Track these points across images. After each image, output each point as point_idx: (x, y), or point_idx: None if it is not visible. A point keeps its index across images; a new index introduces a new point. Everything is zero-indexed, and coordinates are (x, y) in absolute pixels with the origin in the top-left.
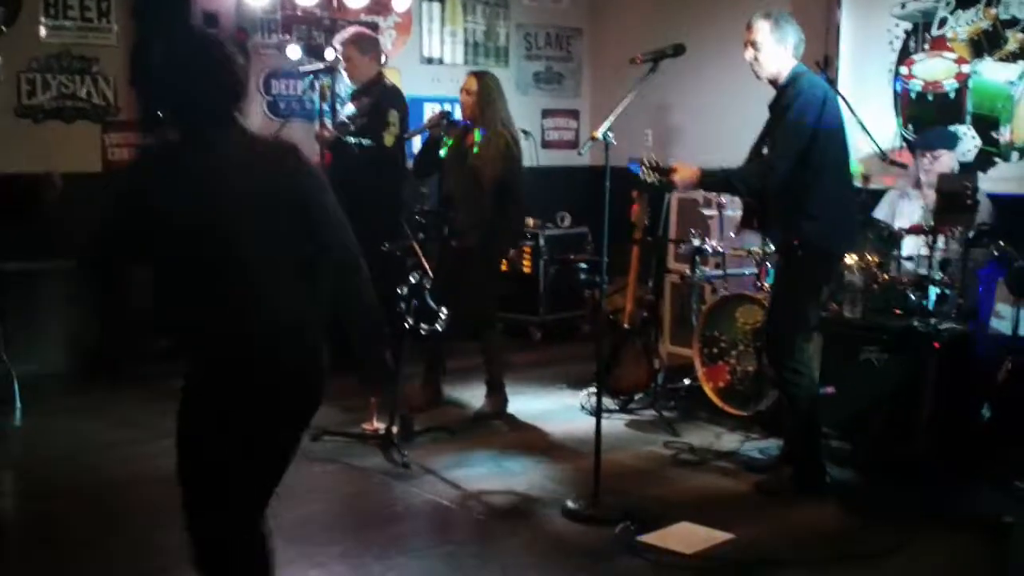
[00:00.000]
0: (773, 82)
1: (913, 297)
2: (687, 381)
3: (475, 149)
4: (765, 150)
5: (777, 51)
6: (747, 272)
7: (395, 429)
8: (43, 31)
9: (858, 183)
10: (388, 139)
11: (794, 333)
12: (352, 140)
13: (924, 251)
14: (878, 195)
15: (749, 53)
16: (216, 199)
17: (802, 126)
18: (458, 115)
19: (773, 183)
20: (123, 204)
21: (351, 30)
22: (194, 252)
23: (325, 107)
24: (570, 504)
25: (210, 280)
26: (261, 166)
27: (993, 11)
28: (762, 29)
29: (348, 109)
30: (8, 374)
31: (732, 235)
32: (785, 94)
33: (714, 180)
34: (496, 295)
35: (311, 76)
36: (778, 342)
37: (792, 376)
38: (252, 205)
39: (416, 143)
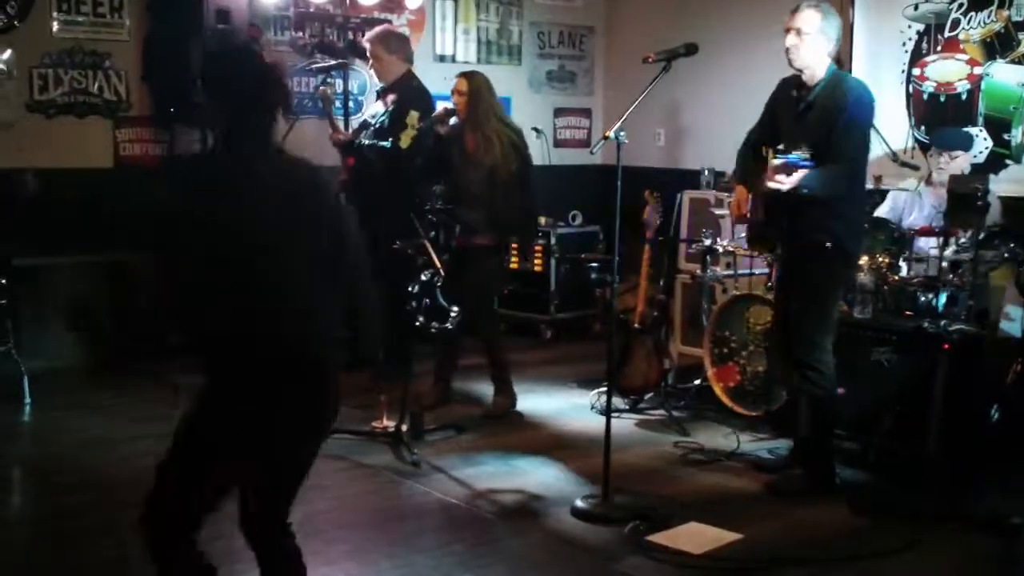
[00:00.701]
0: (801, 74)
1: (923, 298)
2: (697, 381)
3: (478, 150)
4: (803, 145)
5: (819, 43)
6: (758, 272)
7: (405, 427)
8: (55, 26)
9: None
10: (404, 140)
11: (818, 333)
12: (365, 143)
13: (934, 252)
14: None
15: (792, 39)
16: (256, 205)
17: (871, 129)
18: None
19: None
20: (180, 210)
21: (378, 28)
22: (231, 255)
23: (337, 106)
24: (579, 503)
25: (245, 283)
26: (292, 174)
27: (1005, 13)
28: (812, 19)
29: (374, 108)
30: (18, 369)
31: (743, 235)
32: (838, 95)
33: (807, 183)
34: (500, 293)
35: (323, 74)
36: (802, 342)
37: (813, 375)
38: (286, 212)
39: None
